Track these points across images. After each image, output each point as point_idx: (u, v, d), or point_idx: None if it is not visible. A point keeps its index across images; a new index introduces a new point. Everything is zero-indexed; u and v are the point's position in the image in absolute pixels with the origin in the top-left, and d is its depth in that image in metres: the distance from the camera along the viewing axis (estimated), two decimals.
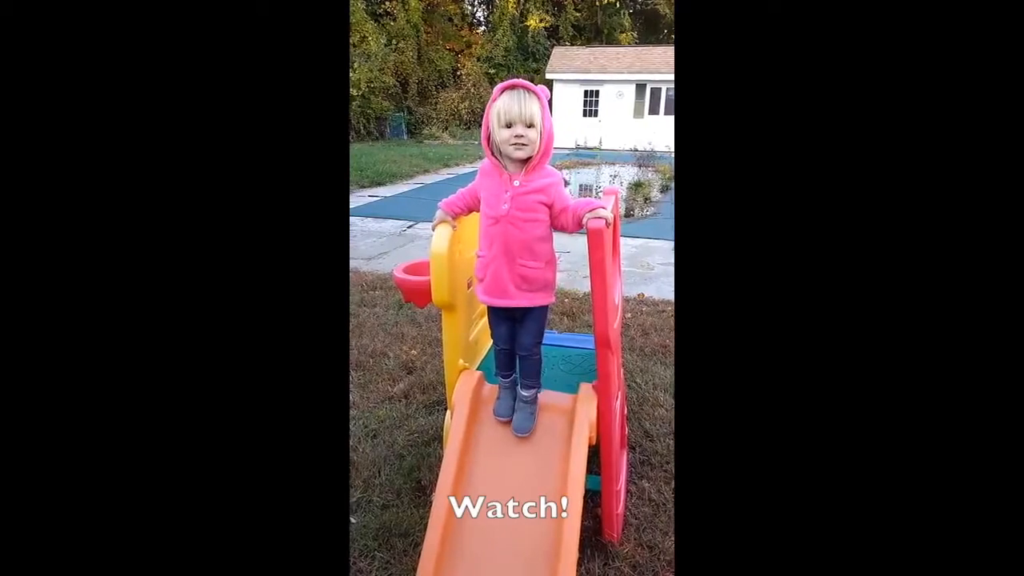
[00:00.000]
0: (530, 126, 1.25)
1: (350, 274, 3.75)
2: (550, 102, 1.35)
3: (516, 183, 1.29)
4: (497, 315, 1.44)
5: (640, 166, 8.77)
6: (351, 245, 4.62)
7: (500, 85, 1.29)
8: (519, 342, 1.43)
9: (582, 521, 1.29)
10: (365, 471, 1.79)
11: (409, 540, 1.51)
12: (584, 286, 3.45)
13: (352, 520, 1.59)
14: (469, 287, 1.58)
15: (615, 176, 8.22)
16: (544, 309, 1.43)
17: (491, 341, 1.80)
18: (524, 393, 1.43)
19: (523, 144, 1.26)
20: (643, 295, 3.51)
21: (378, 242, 4.79)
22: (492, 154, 1.32)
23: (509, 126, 1.26)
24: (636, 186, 7.00)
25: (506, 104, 1.26)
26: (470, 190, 1.43)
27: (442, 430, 1.78)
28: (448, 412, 1.51)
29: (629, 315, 3.09)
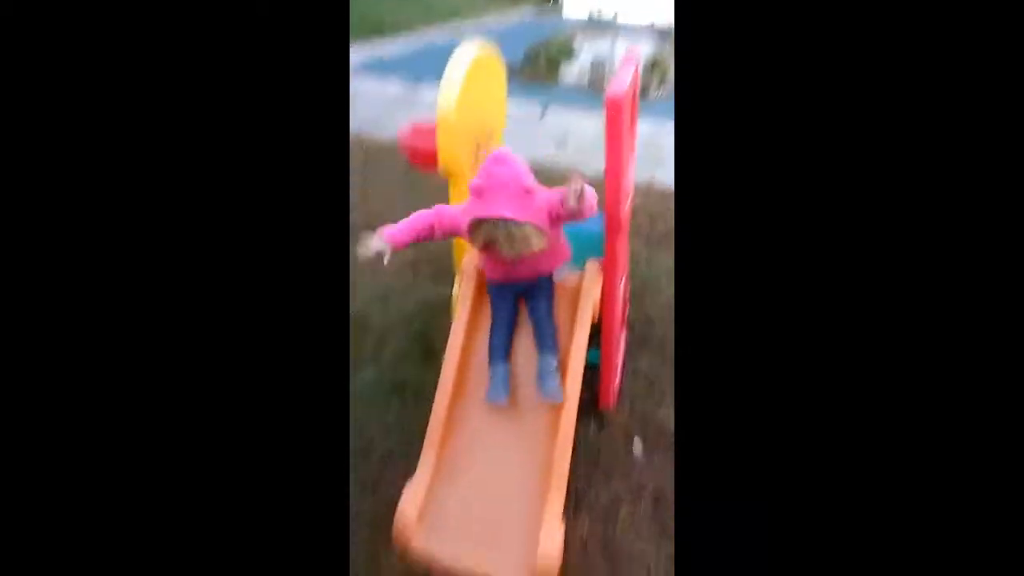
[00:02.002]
0: None
1: (352, 138, 3.59)
2: None
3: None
4: (505, 292, 1.38)
5: (658, 42, 8.13)
6: (351, 108, 4.37)
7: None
8: (536, 310, 1.38)
9: (581, 392, 1.37)
10: (377, 332, 1.86)
11: (420, 396, 1.61)
12: (593, 168, 3.34)
13: (366, 374, 1.68)
14: (476, 154, 1.52)
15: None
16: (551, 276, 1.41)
17: None
18: (552, 361, 1.36)
19: None
20: (653, 179, 3.43)
21: (380, 105, 4.53)
22: None
23: None
24: (652, 65, 6.54)
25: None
26: (440, 214, 1.30)
27: (450, 299, 1.83)
28: (456, 281, 1.53)
29: (638, 201, 3.03)
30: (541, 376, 1.33)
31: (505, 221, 1.15)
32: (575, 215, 1.19)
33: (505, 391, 1.34)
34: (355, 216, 2.55)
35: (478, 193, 1.16)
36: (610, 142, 1.23)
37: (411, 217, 1.30)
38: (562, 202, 1.18)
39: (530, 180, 1.18)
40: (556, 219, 1.24)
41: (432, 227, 1.30)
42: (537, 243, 1.21)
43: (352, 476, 1.42)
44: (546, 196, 1.24)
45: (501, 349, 1.38)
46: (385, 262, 1.27)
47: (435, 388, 1.40)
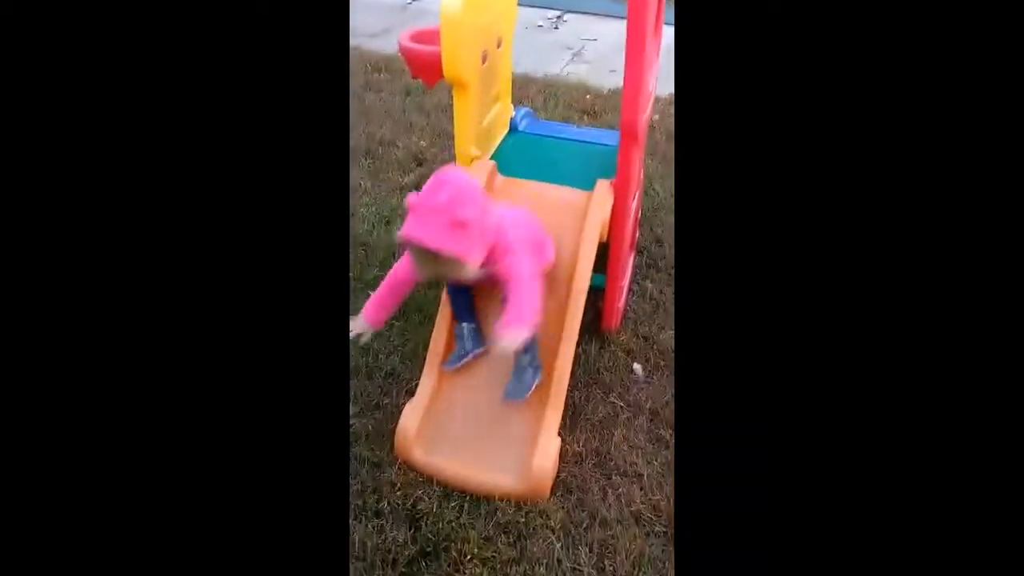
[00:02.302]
0: None
1: (352, 53, 3.42)
2: None
3: None
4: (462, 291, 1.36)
5: None
6: (351, 20, 4.13)
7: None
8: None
9: (584, 313, 1.36)
10: (381, 253, 1.87)
11: (424, 314, 1.63)
12: (610, 81, 3.16)
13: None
14: (484, 62, 1.43)
15: None
16: None
17: (506, 128, 1.71)
18: (525, 356, 1.28)
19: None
20: (675, 96, 3.24)
21: (380, 16, 4.26)
22: None
23: None
24: None
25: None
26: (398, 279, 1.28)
27: None
28: None
29: (656, 117, 2.88)
30: (514, 373, 1.31)
31: (420, 247, 1.10)
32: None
33: (467, 352, 1.36)
34: (355, 135, 2.49)
35: (412, 208, 1.10)
36: (631, 36, 1.12)
37: (385, 280, 1.30)
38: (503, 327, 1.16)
39: (469, 212, 1.08)
40: (504, 270, 1.20)
41: (405, 278, 1.29)
42: (458, 275, 1.17)
43: (357, 395, 1.47)
44: (488, 234, 1.15)
45: (466, 312, 1.39)
46: (361, 342, 1.34)
47: (437, 309, 1.42)
